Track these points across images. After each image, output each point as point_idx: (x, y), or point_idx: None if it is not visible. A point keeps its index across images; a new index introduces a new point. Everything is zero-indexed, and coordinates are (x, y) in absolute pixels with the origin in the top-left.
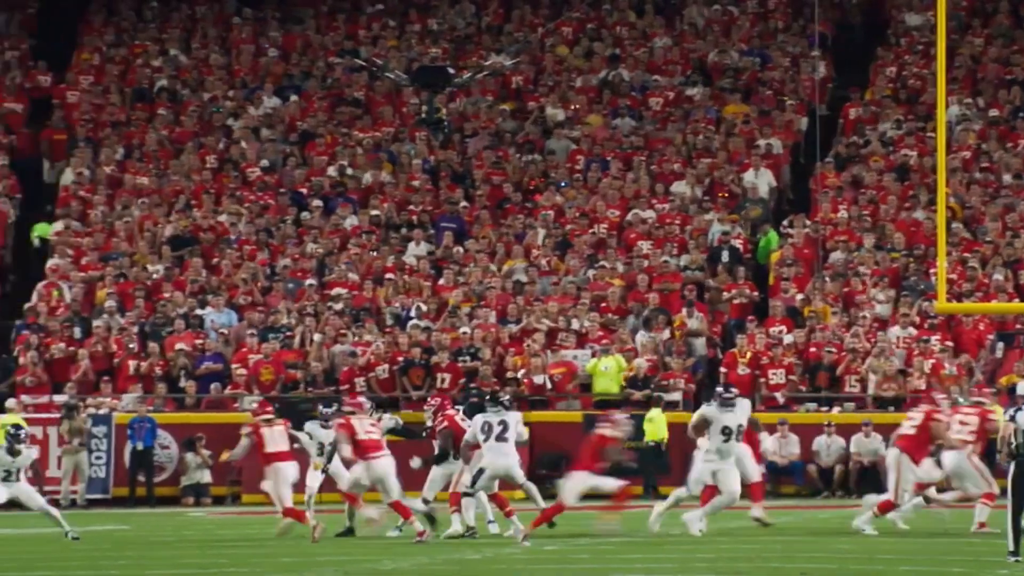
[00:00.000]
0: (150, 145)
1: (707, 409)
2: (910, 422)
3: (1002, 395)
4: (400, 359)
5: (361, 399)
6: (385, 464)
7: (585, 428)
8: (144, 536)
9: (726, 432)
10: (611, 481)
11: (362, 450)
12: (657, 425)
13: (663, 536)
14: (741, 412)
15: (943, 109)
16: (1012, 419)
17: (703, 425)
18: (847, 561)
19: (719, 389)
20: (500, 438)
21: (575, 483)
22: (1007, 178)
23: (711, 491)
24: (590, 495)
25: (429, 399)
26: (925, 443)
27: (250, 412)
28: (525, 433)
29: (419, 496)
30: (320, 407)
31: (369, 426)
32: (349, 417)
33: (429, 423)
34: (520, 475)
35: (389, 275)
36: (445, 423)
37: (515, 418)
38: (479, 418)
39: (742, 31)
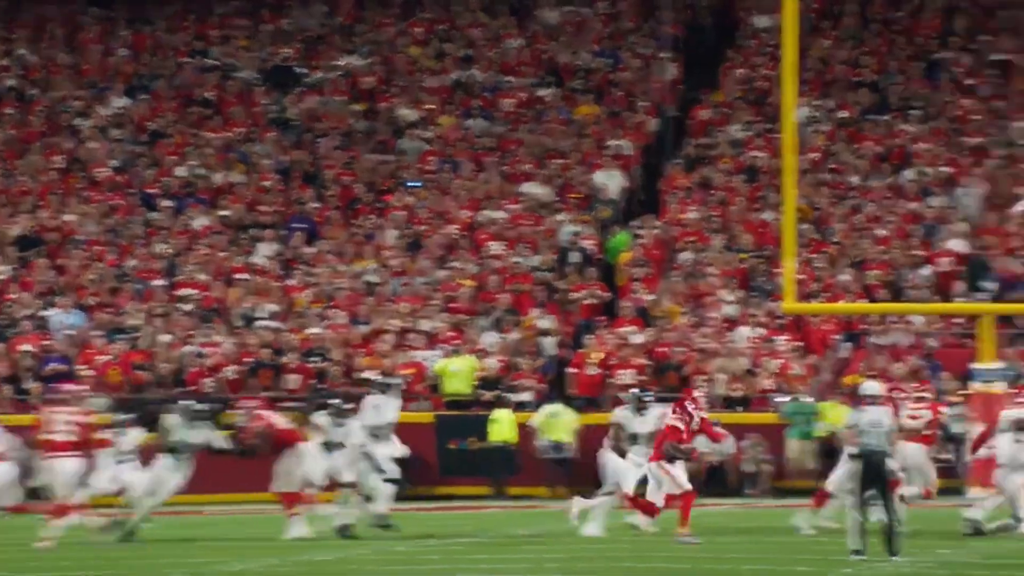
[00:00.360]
0: None
1: (620, 413)
2: None
3: (847, 395)
4: (249, 360)
5: (75, 387)
6: (63, 465)
7: (437, 429)
8: None
9: (634, 437)
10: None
11: (47, 447)
12: (503, 426)
13: (514, 536)
14: (652, 419)
15: (791, 110)
16: (855, 420)
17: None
18: (699, 561)
19: (635, 392)
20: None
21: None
22: (855, 179)
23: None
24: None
25: (241, 401)
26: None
27: None
28: (389, 416)
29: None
30: (182, 401)
31: (63, 423)
32: (51, 408)
33: (241, 424)
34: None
35: (239, 275)
36: (262, 424)
37: (373, 401)
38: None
39: (594, 32)
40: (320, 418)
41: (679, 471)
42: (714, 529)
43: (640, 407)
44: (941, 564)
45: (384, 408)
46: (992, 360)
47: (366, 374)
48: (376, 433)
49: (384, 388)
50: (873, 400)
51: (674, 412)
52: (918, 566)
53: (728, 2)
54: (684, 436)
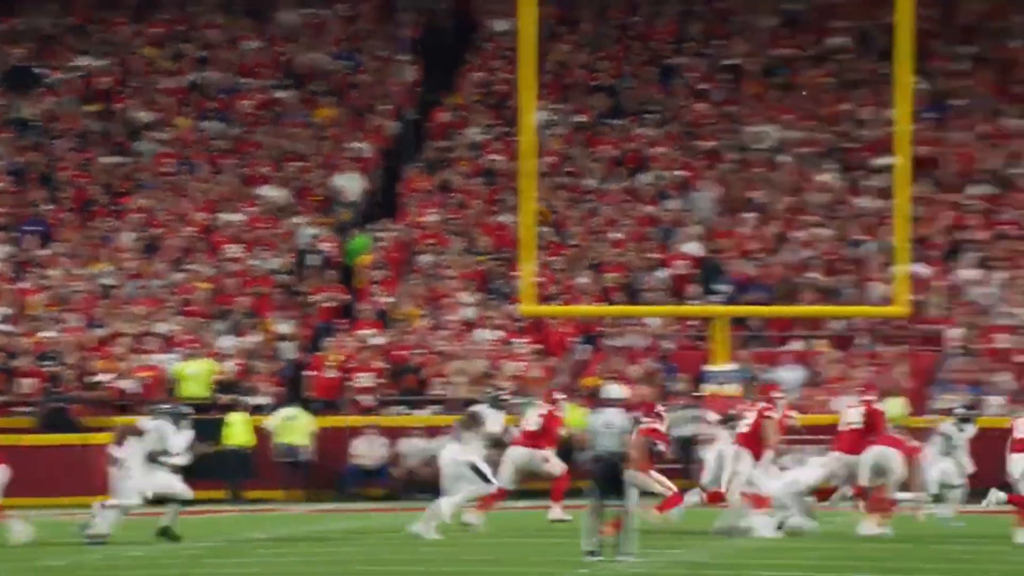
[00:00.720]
0: None
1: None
2: (744, 420)
3: (585, 397)
4: None
5: None
6: None
7: None
8: None
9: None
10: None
11: None
12: (238, 429)
13: (250, 540)
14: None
15: (529, 114)
16: (591, 423)
17: (478, 422)
18: (435, 563)
19: (491, 389)
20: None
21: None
22: (592, 183)
23: None
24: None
25: None
26: (760, 440)
27: None
28: (180, 444)
29: None
30: None
31: None
32: None
33: None
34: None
35: None
36: None
37: (160, 426)
38: None
39: (332, 35)
40: (152, 423)
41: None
42: (454, 529)
43: (498, 405)
44: (674, 563)
45: (171, 435)
46: (725, 362)
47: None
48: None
49: (178, 417)
50: (613, 403)
51: (647, 416)
52: (652, 566)
53: (467, 6)
54: (664, 438)
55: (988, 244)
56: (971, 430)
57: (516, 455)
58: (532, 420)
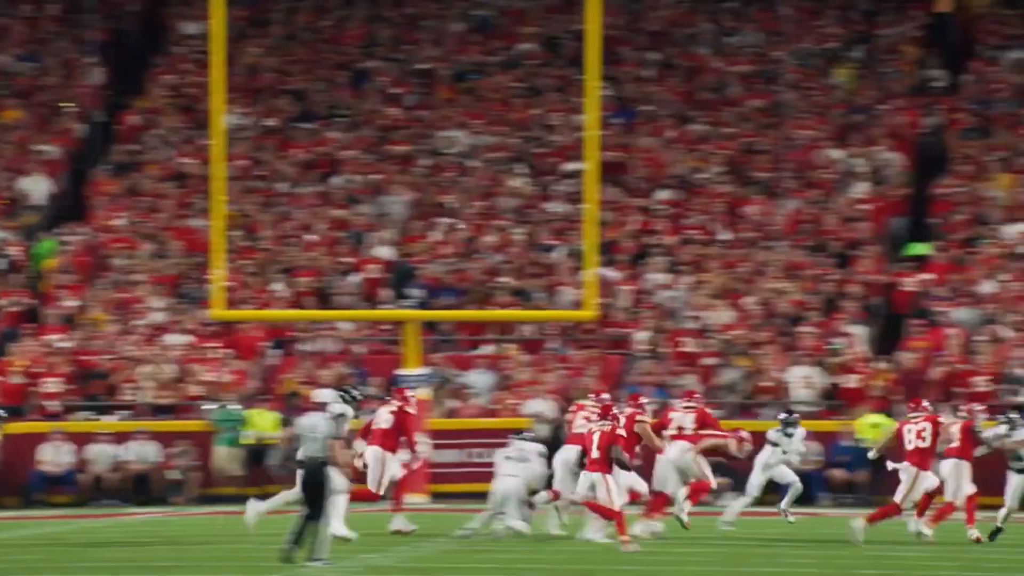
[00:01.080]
0: None
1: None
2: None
3: (275, 401)
4: None
5: None
6: None
7: None
8: None
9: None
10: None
11: None
12: None
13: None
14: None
15: (220, 117)
16: (297, 427)
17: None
18: (126, 570)
19: (347, 391)
20: None
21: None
22: (282, 186)
23: None
24: None
25: None
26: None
27: None
28: None
29: None
30: None
31: None
32: None
33: None
34: None
35: None
36: None
37: None
38: None
39: (16, 36)
40: None
41: (616, 485)
42: (142, 537)
43: (356, 405)
44: (367, 568)
45: None
46: (417, 366)
47: None
48: None
49: None
50: (321, 407)
51: (605, 419)
52: (344, 571)
53: (154, 8)
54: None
55: (675, 248)
56: (801, 433)
57: (369, 455)
58: (384, 418)
